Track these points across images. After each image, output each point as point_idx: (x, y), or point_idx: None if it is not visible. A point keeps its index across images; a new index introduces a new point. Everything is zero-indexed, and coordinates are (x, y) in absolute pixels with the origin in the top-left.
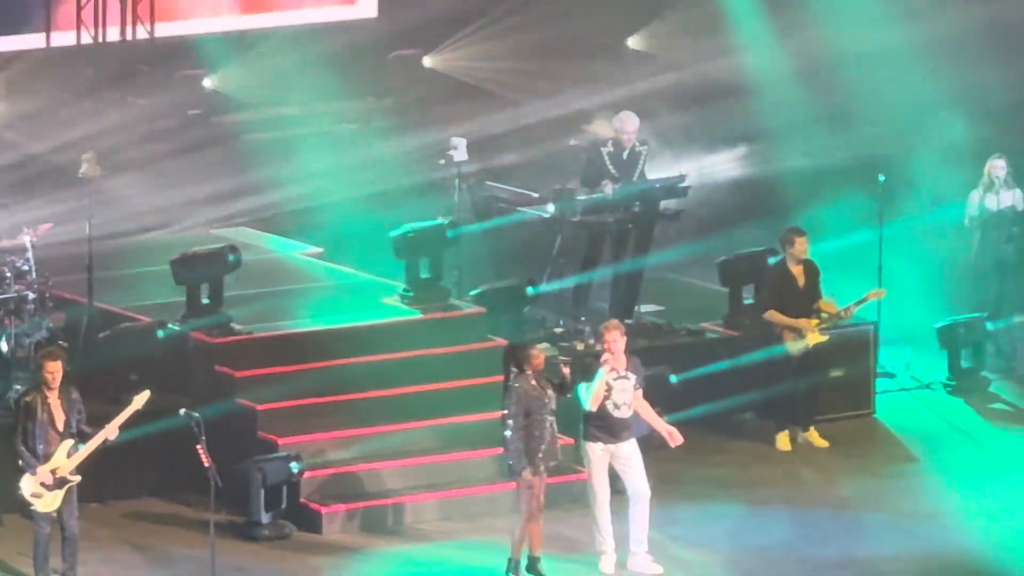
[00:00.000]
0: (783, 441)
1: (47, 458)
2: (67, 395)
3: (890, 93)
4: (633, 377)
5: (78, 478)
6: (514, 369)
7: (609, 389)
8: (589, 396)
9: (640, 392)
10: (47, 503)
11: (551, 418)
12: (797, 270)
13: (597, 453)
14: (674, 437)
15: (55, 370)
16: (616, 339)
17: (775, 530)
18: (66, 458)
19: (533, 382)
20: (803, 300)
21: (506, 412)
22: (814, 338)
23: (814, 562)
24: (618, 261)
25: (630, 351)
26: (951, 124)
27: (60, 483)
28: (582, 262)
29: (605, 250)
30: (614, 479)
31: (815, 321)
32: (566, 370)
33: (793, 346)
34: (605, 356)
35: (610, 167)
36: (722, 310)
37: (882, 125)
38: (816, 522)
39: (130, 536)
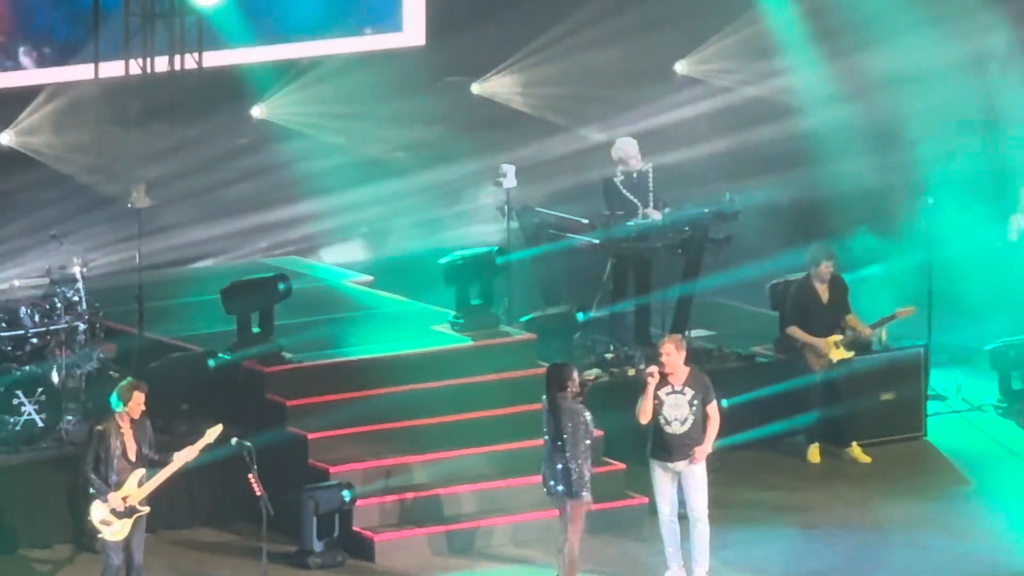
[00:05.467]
0: (814, 453)
1: (118, 487)
2: (141, 424)
3: (937, 114)
4: (690, 392)
5: (147, 509)
6: (557, 391)
7: (660, 403)
8: (637, 409)
9: (712, 406)
10: (116, 531)
11: (588, 442)
12: (822, 287)
13: (655, 470)
14: (694, 458)
15: (141, 401)
16: (670, 352)
17: (827, 554)
18: (137, 487)
19: (574, 404)
20: (827, 315)
21: (550, 434)
22: (837, 355)
23: None
24: (643, 291)
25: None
26: (997, 144)
27: (129, 512)
28: (621, 289)
29: (638, 278)
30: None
31: (834, 338)
32: (589, 378)
33: (816, 364)
34: (650, 368)
35: (629, 195)
36: (772, 334)
37: (930, 146)
38: (868, 545)
39: (182, 565)
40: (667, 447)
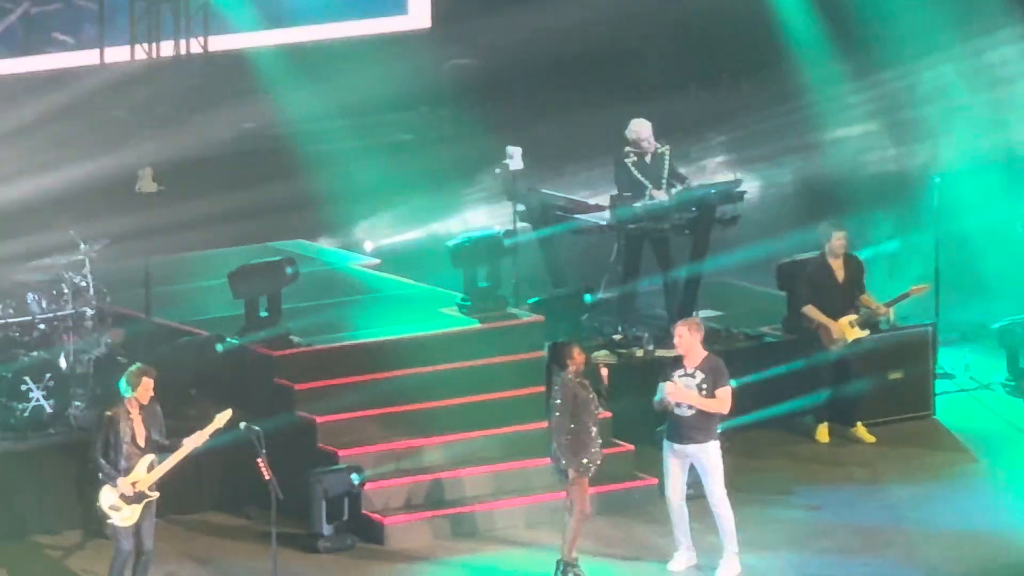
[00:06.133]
0: (822, 433)
1: (127, 472)
2: (150, 410)
3: (945, 92)
4: (700, 376)
5: (156, 494)
6: (557, 370)
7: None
8: (655, 401)
9: (723, 391)
10: (125, 517)
11: (594, 420)
12: (836, 264)
13: (665, 452)
14: (675, 395)
15: (150, 387)
16: (682, 335)
17: (837, 533)
18: (146, 472)
19: (577, 383)
20: (842, 294)
21: (554, 414)
22: (852, 334)
23: (877, 564)
24: (666, 268)
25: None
26: (1002, 126)
27: (139, 497)
28: (629, 270)
29: (659, 255)
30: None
31: (849, 318)
32: (604, 371)
33: (831, 344)
34: (664, 398)
35: (639, 176)
36: (780, 314)
37: (938, 126)
38: (877, 524)
39: (192, 550)
40: (676, 430)
